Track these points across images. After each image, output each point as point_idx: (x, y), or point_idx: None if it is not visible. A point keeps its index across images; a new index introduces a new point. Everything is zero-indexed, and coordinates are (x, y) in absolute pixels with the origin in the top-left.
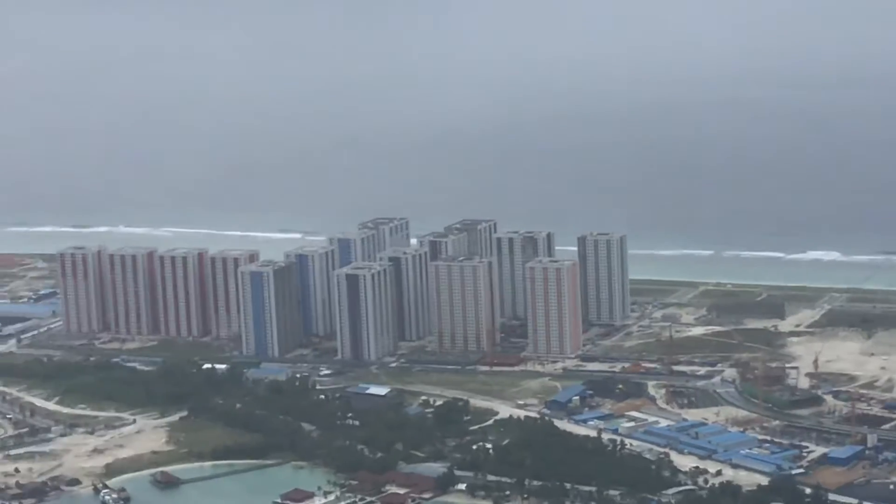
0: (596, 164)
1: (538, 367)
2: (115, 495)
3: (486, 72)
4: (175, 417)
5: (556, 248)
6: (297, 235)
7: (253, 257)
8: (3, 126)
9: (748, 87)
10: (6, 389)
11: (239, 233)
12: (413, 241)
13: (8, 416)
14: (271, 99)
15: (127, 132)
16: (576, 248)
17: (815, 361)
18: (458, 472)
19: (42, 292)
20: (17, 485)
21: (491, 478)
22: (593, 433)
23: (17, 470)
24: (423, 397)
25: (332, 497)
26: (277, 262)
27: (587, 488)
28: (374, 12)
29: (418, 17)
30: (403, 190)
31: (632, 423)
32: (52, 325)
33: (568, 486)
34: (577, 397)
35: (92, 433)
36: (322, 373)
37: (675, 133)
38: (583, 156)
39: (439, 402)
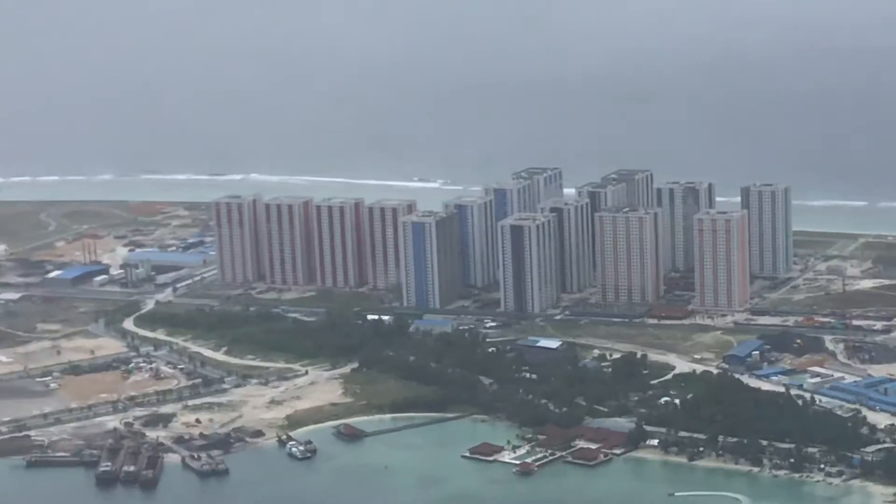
0: (743, 112)
1: (707, 321)
2: (301, 448)
3: (619, 20)
4: (346, 369)
5: (717, 198)
6: (435, 184)
7: (411, 207)
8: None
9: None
10: (172, 339)
11: (374, 181)
12: (569, 191)
13: (180, 367)
14: (398, 48)
15: (253, 83)
16: (731, 199)
17: None
18: (646, 428)
19: (190, 241)
20: (202, 436)
21: (682, 434)
22: (779, 389)
23: (198, 420)
24: (596, 351)
25: (521, 451)
26: (438, 213)
27: (784, 445)
28: None
29: None
30: (545, 138)
31: (817, 379)
32: (205, 275)
33: (764, 442)
34: (756, 352)
35: (266, 384)
36: (487, 325)
37: (818, 80)
38: (728, 104)
39: (615, 356)
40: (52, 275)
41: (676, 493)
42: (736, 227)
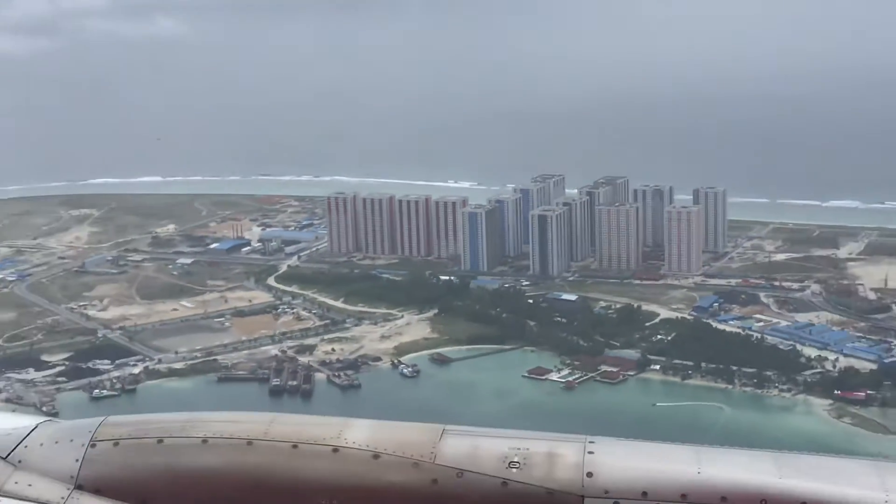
0: (693, 138)
1: (674, 282)
2: (409, 369)
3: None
4: (430, 314)
5: (675, 196)
6: (467, 185)
7: (465, 202)
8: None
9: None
10: (303, 292)
11: (423, 182)
12: (570, 191)
13: (313, 312)
14: (443, 79)
15: (326, 109)
16: (685, 197)
17: (886, 279)
18: (649, 357)
19: (303, 223)
20: (339, 360)
21: (675, 361)
22: (736, 330)
23: (333, 350)
24: (602, 302)
25: (564, 372)
26: (485, 206)
27: (748, 370)
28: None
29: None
30: (545, 154)
31: (761, 324)
32: (318, 247)
33: (734, 367)
34: (716, 304)
35: (376, 324)
36: (523, 283)
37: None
38: (687, 133)
39: (618, 307)
40: (212, 246)
41: (658, 404)
42: (694, 217)
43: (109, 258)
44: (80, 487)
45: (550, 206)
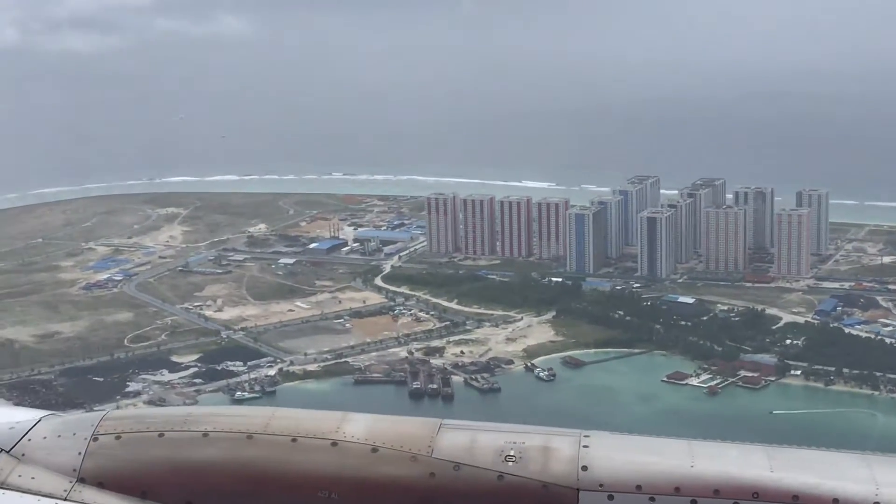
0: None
1: (786, 285)
2: (545, 372)
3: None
4: (548, 316)
5: (776, 198)
6: (544, 185)
7: (567, 203)
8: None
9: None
10: (414, 293)
11: (496, 182)
12: (664, 192)
13: (431, 314)
14: (498, 77)
15: (386, 106)
16: (786, 198)
17: None
18: (787, 361)
19: (395, 222)
20: (472, 364)
21: (816, 366)
22: (867, 335)
23: (462, 352)
24: (720, 305)
25: (705, 377)
26: (590, 207)
27: (892, 375)
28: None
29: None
30: (613, 153)
31: (889, 328)
32: (416, 247)
33: (878, 374)
34: (839, 307)
35: (497, 326)
36: (634, 285)
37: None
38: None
39: (740, 309)
40: (311, 246)
41: (775, 411)
42: (804, 219)
43: (211, 257)
44: (82, 481)
45: (657, 208)
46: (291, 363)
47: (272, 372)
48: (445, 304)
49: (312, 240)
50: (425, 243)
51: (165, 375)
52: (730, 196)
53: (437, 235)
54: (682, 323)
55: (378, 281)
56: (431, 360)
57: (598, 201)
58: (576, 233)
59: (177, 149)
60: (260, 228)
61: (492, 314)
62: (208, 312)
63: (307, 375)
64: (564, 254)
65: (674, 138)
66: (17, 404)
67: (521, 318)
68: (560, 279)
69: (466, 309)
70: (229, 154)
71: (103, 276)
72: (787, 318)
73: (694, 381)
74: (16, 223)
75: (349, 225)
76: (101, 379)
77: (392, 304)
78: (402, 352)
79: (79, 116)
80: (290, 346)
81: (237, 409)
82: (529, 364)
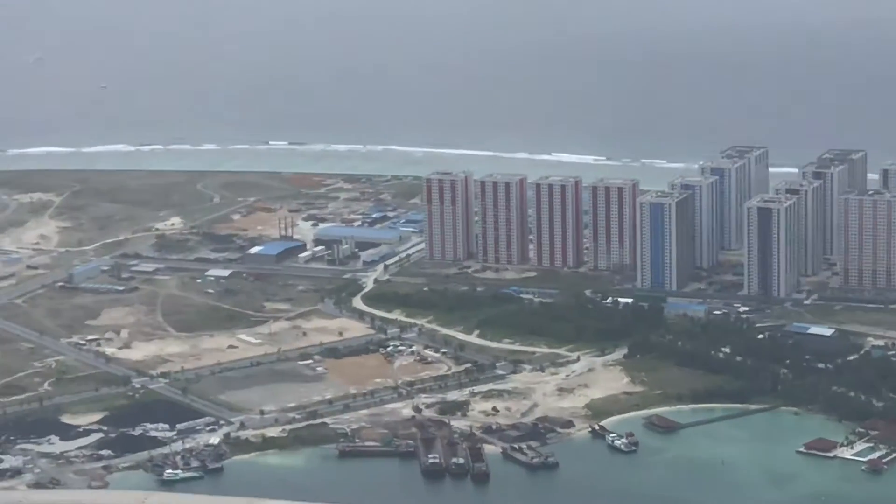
0: None
1: None
2: (624, 440)
3: None
4: (617, 355)
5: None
6: (590, 159)
7: (635, 188)
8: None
9: None
10: (412, 320)
11: (519, 154)
12: (775, 170)
13: (442, 351)
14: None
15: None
16: None
17: None
18: None
19: (373, 215)
20: (514, 426)
21: None
22: None
23: (494, 409)
24: (871, 339)
25: (860, 447)
26: (671, 194)
27: None
28: None
29: None
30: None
31: None
32: (408, 252)
33: None
34: None
35: (542, 371)
36: (741, 310)
37: None
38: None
39: None
40: (253, 251)
41: None
42: None
43: (105, 267)
44: None
45: (769, 194)
46: (242, 426)
47: (214, 440)
48: (461, 336)
49: (253, 241)
50: (422, 247)
51: (56, 444)
52: (874, 176)
53: (442, 235)
54: (819, 365)
55: (357, 302)
56: (451, 422)
57: (681, 184)
58: (651, 232)
59: (34, 104)
60: (173, 224)
61: (532, 352)
62: (109, 350)
63: (267, 444)
64: (632, 262)
65: (774, 87)
66: None
67: (578, 359)
68: (628, 300)
69: (493, 344)
70: (114, 113)
71: None
72: None
73: (846, 453)
74: None
75: (305, 219)
76: None
77: (382, 336)
78: (404, 408)
79: None
80: (238, 401)
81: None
82: (597, 427)
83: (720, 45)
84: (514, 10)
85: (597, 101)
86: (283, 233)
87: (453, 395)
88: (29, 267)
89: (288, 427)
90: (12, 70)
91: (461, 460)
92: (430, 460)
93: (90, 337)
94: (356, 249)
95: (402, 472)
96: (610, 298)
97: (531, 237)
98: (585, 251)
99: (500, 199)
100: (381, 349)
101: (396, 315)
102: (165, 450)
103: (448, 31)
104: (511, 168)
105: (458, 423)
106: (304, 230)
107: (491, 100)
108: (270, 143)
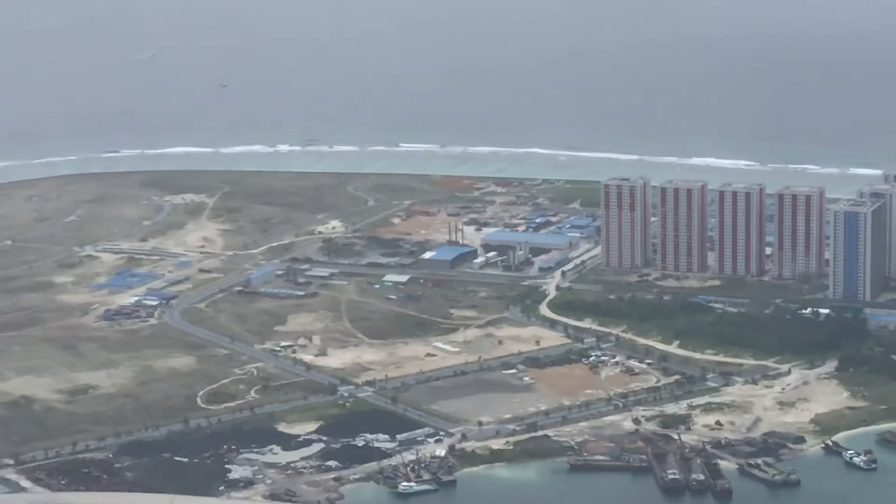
0: None
1: None
2: (862, 457)
3: None
4: (828, 368)
5: None
6: (742, 163)
7: (822, 194)
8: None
9: None
10: (607, 329)
11: (658, 157)
12: None
13: (646, 362)
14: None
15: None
16: None
17: None
18: None
19: (537, 220)
20: (745, 441)
21: None
22: None
23: (718, 423)
24: None
25: None
26: (864, 202)
27: None
28: None
29: None
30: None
31: None
32: (581, 258)
33: None
34: None
35: (755, 383)
36: None
37: None
38: None
39: None
40: (426, 256)
41: None
42: None
43: (280, 272)
44: None
45: None
46: (463, 437)
47: (440, 451)
48: (660, 346)
49: (421, 246)
50: (594, 253)
51: (279, 454)
52: None
53: (619, 241)
54: None
55: (544, 309)
56: (677, 436)
57: (871, 192)
58: (847, 241)
59: (155, 103)
60: (333, 227)
61: (740, 364)
62: (306, 357)
63: (495, 457)
64: (819, 271)
65: None
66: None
67: (788, 371)
68: (826, 310)
69: (696, 355)
70: (233, 112)
71: (126, 298)
72: None
73: None
74: None
75: (466, 223)
76: (186, 459)
77: (581, 345)
78: (623, 421)
79: None
80: (452, 411)
81: None
82: (830, 443)
83: (854, 49)
84: (628, 9)
85: (739, 104)
86: (451, 238)
87: (670, 408)
88: (201, 270)
89: (511, 439)
90: (128, 69)
91: (701, 476)
92: (670, 476)
93: (284, 343)
94: (530, 255)
95: (637, 488)
96: (809, 309)
97: (710, 244)
98: (767, 259)
99: (682, 206)
100: (583, 359)
101: (587, 323)
102: (392, 461)
103: (562, 31)
104: (657, 172)
105: (686, 437)
106: (470, 235)
107: (626, 101)
108: (410, 145)
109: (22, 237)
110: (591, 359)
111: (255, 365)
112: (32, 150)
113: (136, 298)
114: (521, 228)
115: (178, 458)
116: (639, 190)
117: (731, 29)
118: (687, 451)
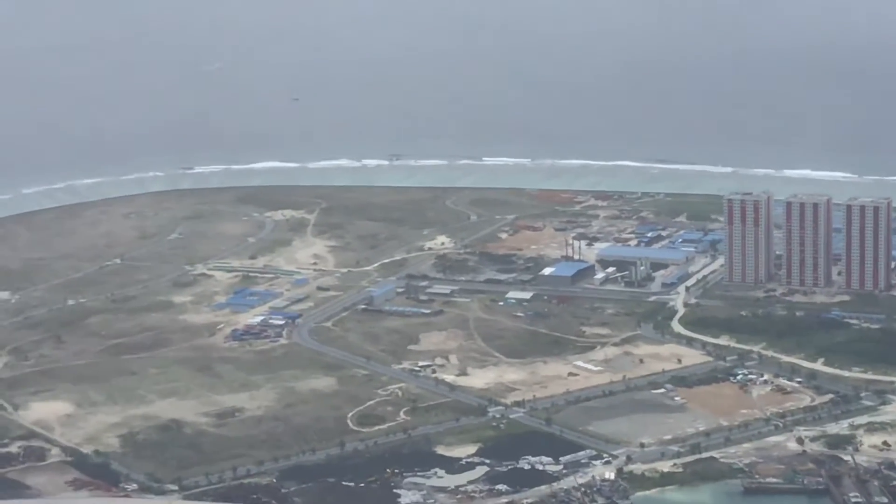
0: None
1: None
2: None
3: None
4: None
5: None
6: (840, 175)
7: None
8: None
9: None
10: (745, 346)
11: (753, 169)
12: None
13: (797, 381)
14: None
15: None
16: None
17: None
18: None
19: (648, 234)
20: None
21: None
22: None
23: (885, 443)
24: None
25: None
26: None
27: None
28: None
29: None
30: None
31: None
32: (702, 272)
33: None
34: None
35: None
36: None
37: None
38: None
39: None
40: (546, 272)
41: None
42: None
43: (400, 289)
44: None
45: None
46: (629, 459)
47: (609, 474)
48: (805, 364)
49: (535, 261)
50: (713, 267)
51: (444, 478)
52: None
53: (743, 256)
54: None
55: (676, 326)
56: (850, 457)
57: None
58: None
59: (228, 117)
60: (442, 243)
61: (890, 381)
62: (447, 377)
63: (666, 480)
64: None
65: None
66: None
67: None
68: None
69: (844, 373)
70: (309, 126)
71: (250, 317)
72: None
73: None
74: (63, 232)
75: (577, 238)
76: (352, 484)
77: (724, 363)
78: (787, 441)
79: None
80: (609, 432)
81: None
82: None
83: None
84: (706, 21)
85: (830, 114)
86: (566, 254)
87: (831, 428)
88: (319, 288)
89: (677, 461)
90: (193, 79)
91: (884, 499)
92: (854, 500)
93: (422, 363)
94: (651, 271)
95: None
96: None
97: (835, 259)
98: (894, 272)
99: (808, 220)
100: (730, 377)
101: (724, 340)
102: (563, 484)
103: (639, 43)
104: (754, 184)
105: (860, 459)
106: (583, 250)
107: (712, 113)
108: (497, 159)
109: (129, 255)
110: (739, 377)
111: (398, 385)
112: (121, 166)
113: (262, 317)
114: (632, 243)
115: (345, 483)
116: (763, 204)
117: (812, 39)
118: (864, 472)
